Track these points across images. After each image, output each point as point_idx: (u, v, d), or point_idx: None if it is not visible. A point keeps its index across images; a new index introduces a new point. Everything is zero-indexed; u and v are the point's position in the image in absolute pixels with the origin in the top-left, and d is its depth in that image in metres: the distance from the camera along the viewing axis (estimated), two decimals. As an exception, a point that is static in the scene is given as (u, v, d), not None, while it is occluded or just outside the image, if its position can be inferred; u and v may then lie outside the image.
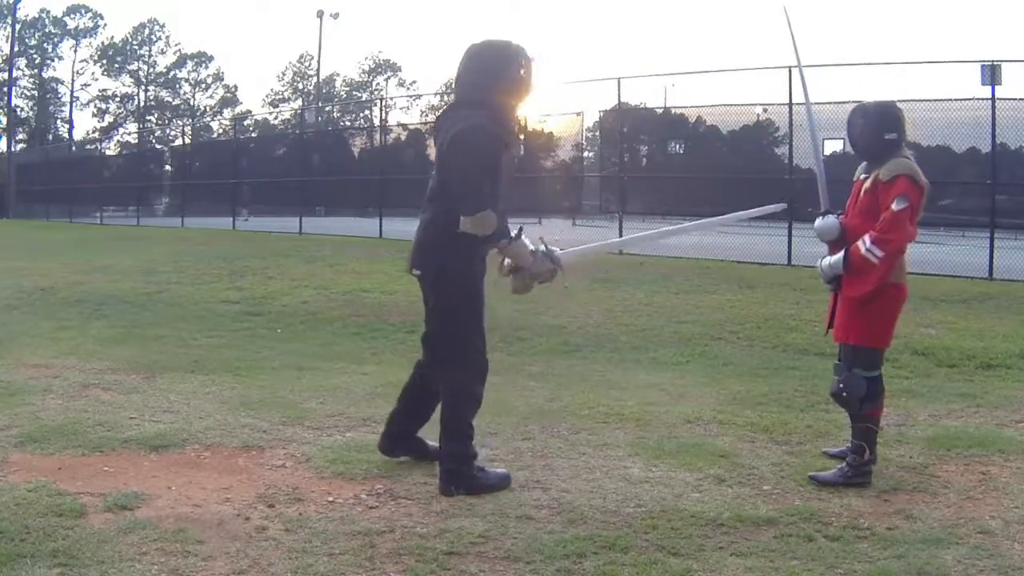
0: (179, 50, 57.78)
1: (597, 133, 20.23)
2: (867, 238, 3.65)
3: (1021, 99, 10.94)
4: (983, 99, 10.84)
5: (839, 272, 3.77)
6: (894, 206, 3.61)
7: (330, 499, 3.41)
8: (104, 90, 56.49)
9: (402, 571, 2.78)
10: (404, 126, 21.92)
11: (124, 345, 6.81)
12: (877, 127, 3.76)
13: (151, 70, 57.55)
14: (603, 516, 3.27)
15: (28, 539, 2.88)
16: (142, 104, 57.27)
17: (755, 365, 6.27)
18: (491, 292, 3.64)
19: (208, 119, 53.72)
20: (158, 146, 37.90)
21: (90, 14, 55.27)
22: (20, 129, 52.46)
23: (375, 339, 7.22)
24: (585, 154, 18.96)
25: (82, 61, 55.49)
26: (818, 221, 3.90)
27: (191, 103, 57.87)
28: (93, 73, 56.04)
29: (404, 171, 18.36)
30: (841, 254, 3.75)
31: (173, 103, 58.09)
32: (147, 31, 57.01)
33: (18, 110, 52.56)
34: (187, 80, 58.12)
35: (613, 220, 15.82)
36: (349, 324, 7.83)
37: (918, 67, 12.26)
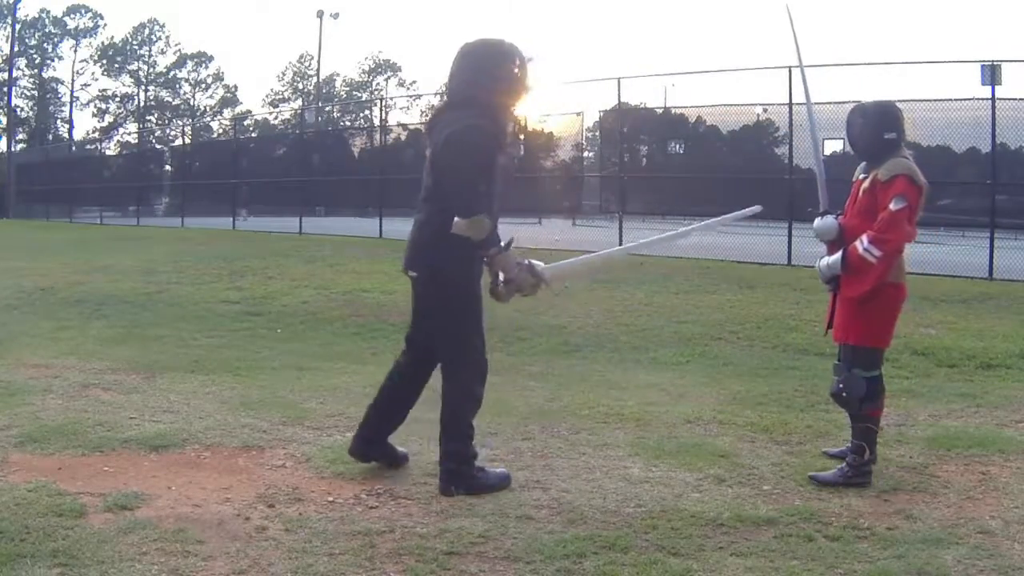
0: (179, 50, 57.85)
1: (597, 133, 20.24)
2: (865, 238, 3.65)
3: (1021, 99, 10.94)
4: (983, 99, 10.84)
5: (837, 272, 3.77)
6: (892, 206, 3.61)
7: (330, 499, 3.41)
8: (104, 90, 56.57)
9: (402, 571, 2.78)
10: (404, 126, 21.91)
11: (124, 345, 6.82)
12: (876, 127, 3.76)
13: (151, 70, 57.58)
14: (603, 516, 3.27)
15: (28, 539, 2.88)
16: (142, 104, 57.28)
17: (755, 365, 6.27)
18: (486, 294, 3.63)
19: (208, 119, 53.76)
20: (158, 146, 37.91)
21: (90, 14, 55.32)
22: (20, 129, 52.47)
23: (375, 339, 7.22)
24: (585, 154, 18.97)
25: (82, 61, 55.55)
26: (817, 221, 3.91)
27: (191, 103, 57.89)
28: (93, 73, 56.11)
29: (404, 171, 18.33)
30: (839, 254, 3.75)
31: (173, 103, 58.11)
32: (147, 31, 57.05)
33: (18, 110, 52.58)
34: (187, 80, 58.16)
35: (613, 220, 15.81)
36: (349, 324, 7.84)
37: (918, 67, 12.25)
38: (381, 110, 28.46)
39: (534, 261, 3.54)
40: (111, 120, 55.93)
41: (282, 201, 21.47)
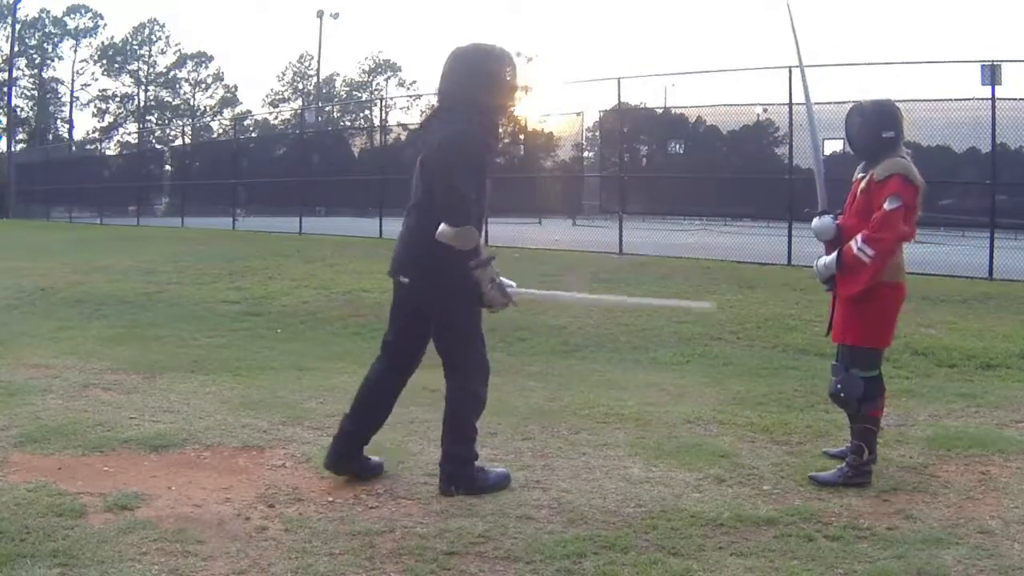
0: (179, 50, 57.85)
1: (597, 133, 20.22)
2: (859, 237, 3.66)
3: (1021, 99, 10.92)
4: (983, 99, 10.83)
5: (833, 272, 3.78)
6: (886, 205, 3.61)
7: (330, 499, 3.41)
8: (104, 90, 56.58)
9: (402, 571, 2.78)
10: (404, 126, 21.87)
11: (124, 345, 6.82)
12: (875, 125, 3.75)
13: (151, 70, 57.59)
14: (603, 516, 3.27)
15: (28, 539, 2.88)
16: (142, 104, 57.28)
17: (755, 365, 6.27)
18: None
19: (208, 119, 53.77)
20: (158, 146, 37.91)
21: (90, 14, 55.33)
22: (20, 129, 52.47)
23: (375, 339, 7.13)
24: (585, 154, 18.95)
25: (82, 61, 55.56)
26: (815, 221, 3.90)
27: (191, 103, 57.90)
28: (93, 73, 56.12)
29: (404, 171, 18.15)
30: (835, 254, 3.75)
31: (173, 103, 58.11)
32: (147, 31, 57.06)
33: (18, 110, 52.58)
34: (187, 80, 58.17)
35: (613, 220, 15.81)
36: (349, 324, 7.84)
37: (918, 67, 12.25)
38: (381, 110, 28.53)
39: (506, 280, 3.53)
40: (111, 120, 55.97)
41: (282, 201, 21.47)
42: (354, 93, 58.56)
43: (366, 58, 66.90)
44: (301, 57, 58.84)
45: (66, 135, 53.56)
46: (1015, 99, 10.90)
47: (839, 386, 3.76)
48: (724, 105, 14.54)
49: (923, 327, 7.08)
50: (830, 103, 9.18)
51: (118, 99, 56.81)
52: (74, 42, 55.26)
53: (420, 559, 2.86)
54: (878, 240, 3.61)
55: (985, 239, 10.85)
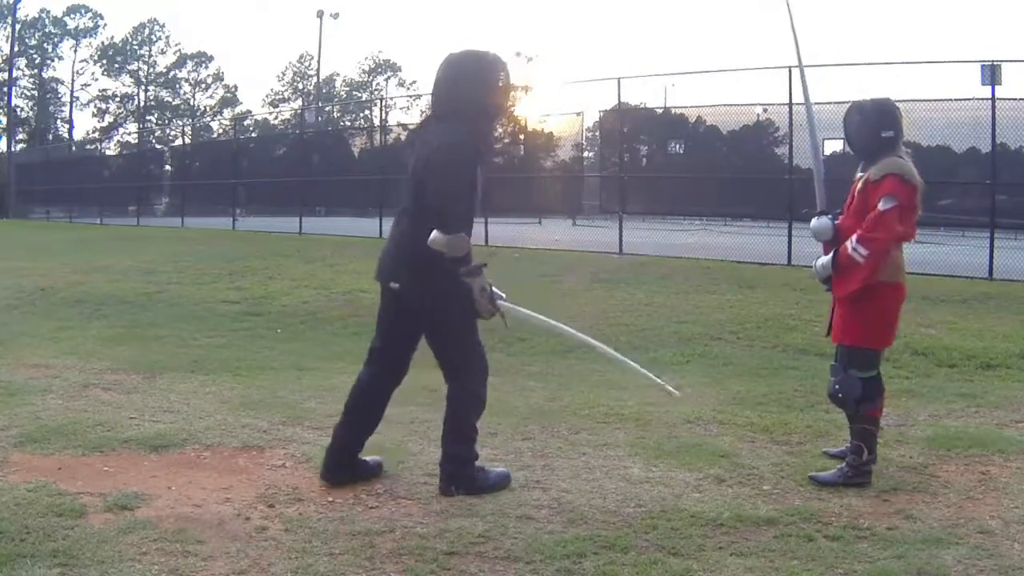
0: (179, 50, 57.85)
1: (597, 133, 20.21)
2: (854, 237, 3.66)
3: (1021, 99, 10.92)
4: (983, 99, 10.82)
5: (830, 272, 3.77)
6: (881, 205, 3.60)
7: (330, 499, 3.41)
8: (104, 90, 56.57)
9: (402, 571, 2.78)
10: (404, 126, 21.84)
11: (124, 345, 6.82)
12: (874, 125, 3.74)
13: (151, 70, 57.59)
14: (603, 516, 3.27)
15: (28, 539, 2.88)
16: (142, 104, 57.28)
17: (755, 365, 6.27)
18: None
19: (208, 119, 53.77)
20: (158, 146, 37.90)
21: (90, 14, 55.32)
22: (20, 129, 52.47)
23: (375, 339, 7.21)
24: (585, 154, 18.95)
25: (82, 61, 55.54)
26: (813, 221, 3.90)
27: (191, 103, 57.90)
28: (93, 73, 56.11)
29: (404, 171, 18.19)
30: (832, 254, 3.75)
31: (173, 103, 58.11)
32: (147, 31, 57.05)
33: (18, 110, 52.57)
34: (187, 80, 58.16)
35: (613, 220, 15.81)
36: (349, 324, 7.84)
37: (918, 67, 12.23)
38: (381, 110, 28.53)
39: (497, 290, 3.53)
40: (111, 120, 55.97)
41: (282, 201, 21.46)
42: (354, 93, 58.57)
43: (366, 58, 66.90)
44: (301, 57, 58.90)
45: (66, 135, 53.58)
46: (1015, 99, 10.89)
47: (837, 387, 3.75)
48: (724, 105, 14.53)
49: (923, 327, 7.08)
50: (830, 103, 9.18)
51: (118, 99, 56.84)
52: (74, 42, 55.27)
53: (420, 559, 2.86)
54: (871, 240, 3.61)
55: (985, 239, 10.85)
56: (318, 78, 54.36)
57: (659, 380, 4.02)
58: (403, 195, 3.59)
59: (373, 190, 18.49)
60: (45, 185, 31.10)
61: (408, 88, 57.91)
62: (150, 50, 57.36)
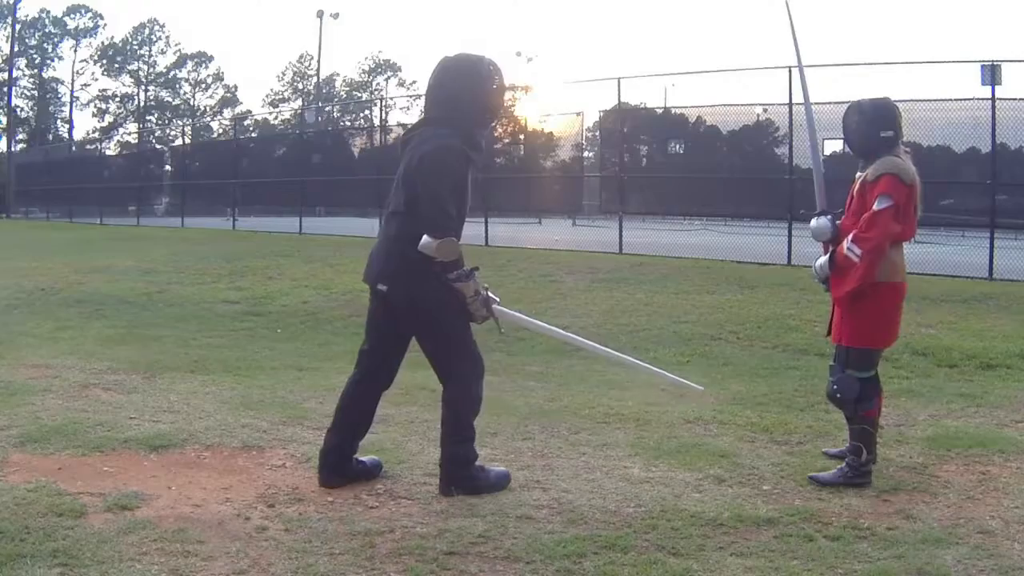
0: (179, 50, 57.85)
1: (597, 133, 20.22)
2: (849, 237, 3.66)
3: (1021, 99, 10.91)
4: (983, 99, 10.83)
5: (828, 272, 3.77)
6: (875, 205, 3.60)
7: (330, 499, 3.41)
8: (104, 90, 56.59)
9: (402, 571, 2.78)
10: (404, 126, 21.85)
11: (124, 345, 6.82)
12: (872, 124, 3.73)
13: (151, 70, 57.59)
14: (603, 516, 3.27)
15: (28, 539, 2.88)
16: (142, 104, 57.29)
17: (755, 365, 6.27)
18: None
19: (208, 119, 53.78)
20: (158, 146, 37.88)
21: (90, 14, 55.33)
22: (20, 129, 52.47)
23: (375, 339, 7.21)
24: (585, 154, 18.94)
25: (82, 61, 55.55)
26: (813, 221, 3.90)
27: (191, 103, 57.91)
28: (93, 73, 56.13)
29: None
30: (830, 254, 3.75)
31: (173, 103, 58.12)
32: (147, 31, 57.06)
33: (18, 110, 52.56)
34: (187, 80, 58.17)
35: (613, 220, 15.81)
36: (349, 324, 7.83)
37: (918, 67, 12.26)
38: (381, 110, 28.61)
39: (492, 295, 3.52)
40: (111, 120, 55.97)
41: (282, 201, 21.47)
42: (354, 93, 58.58)
43: (366, 58, 67.03)
44: (301, 57, 58.91)
45: (66, 135, 53.58)
46: (1015, 99, 10.89)
47: (835, 387, 3.75)
48: (724, 105, 14.54)
49: (923, 327, 7.08)
50: (830, 103, 9.19)
51: (118, 99, 56.84)
52: (74, 42, 55.27)
53: (420, 559, 2.86)
54: (865, 239, 3.61)
55: (985, 239, 10.85)
56: (318, 78, 54.41)
57: (679, 379, 4.01)
58: (392, 197, 3.57)
59: (373, 190, 18.47)
60: (45, 185, 31.12)
61: (408, 88, 57.90)
62: (150, 50, 57.39)
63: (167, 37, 57.65)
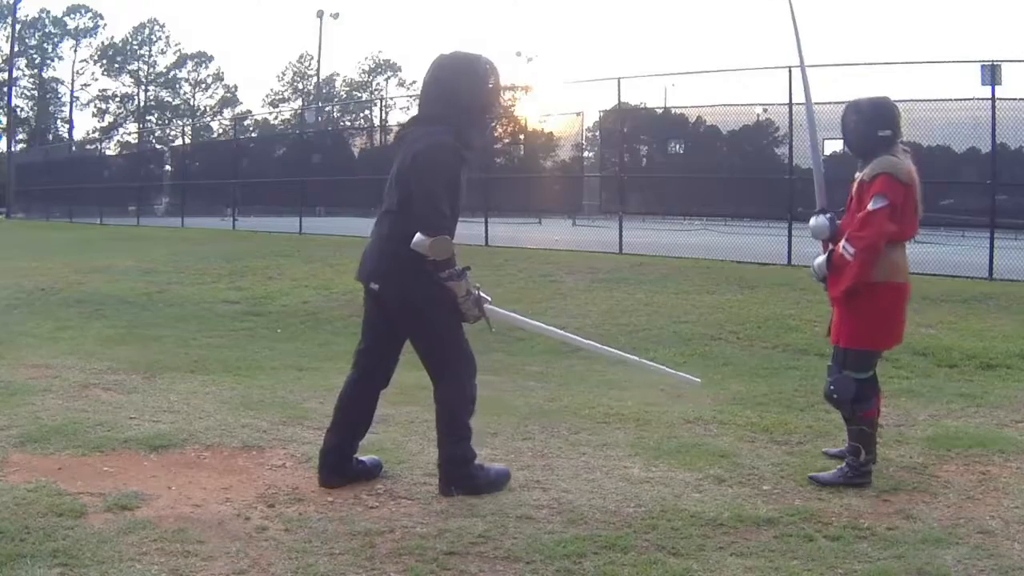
0: (179, 50, 57.93)
1: (597, 133, 20.23)
2: (845, 236, 3.66)
3: (1021, 99, 10.91)
4: (983, 99, 10.83)
5: (826, 272, 3.77)
6: (870, 205, 3.59)
7: (330, 499, 3.41)
8: (104, 90, 56.68)
9: (402, 571, 2.78)
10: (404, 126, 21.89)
11: (124, 345, 6.82)
12: (871, 123, 3.72)
13: (151, 70, 57.66)
14: (603, 516, 3.27)
15: (28, 539, 2.88)
16: (142, 104, 57.33)
17: (755, 365, 6.27)
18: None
19: (208, 119, 53.80)
20: (158, 146, 37.88)
21: (90, 14, 55.42)
22: (20, 129, 52.50)
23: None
24: (585, 154, 18.95)
25: (82, 61, 55.63)
26: (812, 220, 3.90)
27: (191, 103, 57.94)
28: (93, 73, 56.21)
29: (399, 172, 18.27)
30: (827, 253, 3.75)
31: (173, 103, 58.16)
32: (147, 31, 57.13)
33: (18, 110, 52.62)
34: (187, 80, 58.24)
35: (613, 220, 15.81)
36: (349, 324, 7.83)
37: (918, 67, 12.25)
38: (381, 110, 28.61)
39: (483, 295, 3.52)
40: (111, 120, 56.04)
41: (282, 201, 21.46)
42: (354, 93, 58.61)
43: (366, 58, 67.10)
44: (301, 57, 59.00)
45: (66, 135, 53.61)
46: (1015, 99, 10.89)
47: (832, 387, 3.75)
48: (724, 105, 14.54)
49: (923, 327, 7.08)
50: (830, 103, 9.19)
51: (118, 99, 56.90)
52: (74, 42, 55.34)
53: (420, 559, 2.85)
54: (859, 238, 3.60)
55: (985, 239, 10.84)
56: (318, 78, 54.45)
57: (676, 372, 4.01)
58: (386, 196, 3.57)
59: (373, 190, 18.41)
60: (45, 185, 31.10)
61: (408, 88, 57.93)
62: (150, 50, 57.45)
63: (167, 37, 57.80)
